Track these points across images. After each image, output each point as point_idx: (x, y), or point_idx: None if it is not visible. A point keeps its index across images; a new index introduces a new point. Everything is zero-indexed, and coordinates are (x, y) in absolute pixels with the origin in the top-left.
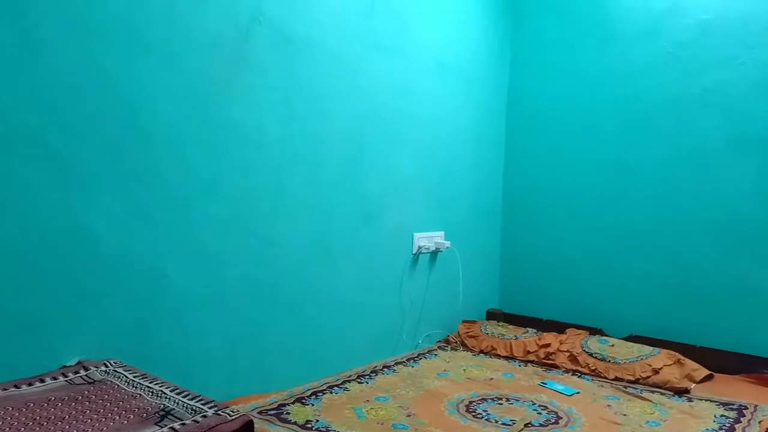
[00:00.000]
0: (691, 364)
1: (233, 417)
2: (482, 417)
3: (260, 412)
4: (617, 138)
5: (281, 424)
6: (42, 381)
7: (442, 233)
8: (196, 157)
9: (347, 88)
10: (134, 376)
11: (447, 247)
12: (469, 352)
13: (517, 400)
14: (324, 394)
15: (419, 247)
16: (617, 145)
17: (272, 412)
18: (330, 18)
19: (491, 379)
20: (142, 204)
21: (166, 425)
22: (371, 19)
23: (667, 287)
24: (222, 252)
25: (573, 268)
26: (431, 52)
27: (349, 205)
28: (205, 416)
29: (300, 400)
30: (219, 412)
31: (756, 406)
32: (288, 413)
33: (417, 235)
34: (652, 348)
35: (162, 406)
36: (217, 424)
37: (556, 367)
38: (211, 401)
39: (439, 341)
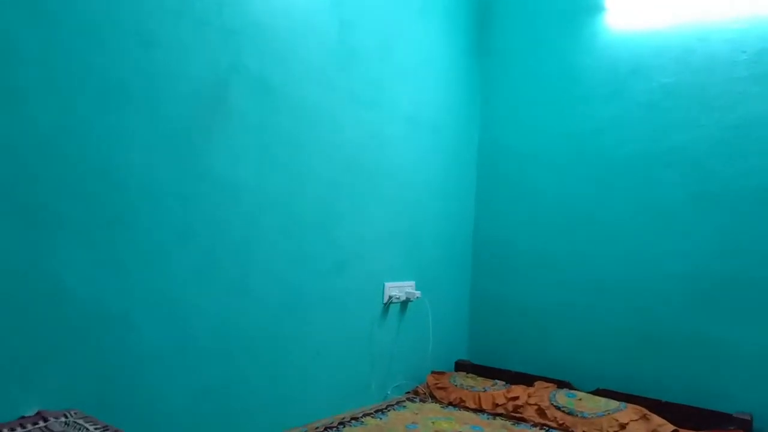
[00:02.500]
0: (656, 420)
1: None
2: None
3: None
4: (585, 192)
5: None
6: None
7: (413, 283)
8: (170, 206)
9: (323, 138)
10: (95, 428)
11: (417, 297)
12: (437, 404)
13: None
14: None
15: (390, 297)
16: (585, 199)
17: None
18: (308, 70)
19: None
20: (112, 254)
21: None
22: (348, 73)
23: (634, 341)
24: (191, 302)
25: (541, 321)
26: (404, 106)
27: (322, 253)
28: None
29: None
30: None
31: None
32: None
33: (388, 284)
34: (618, 403)
35: None
36: None
37: (524, 420)
38: None
39: (408, 392)
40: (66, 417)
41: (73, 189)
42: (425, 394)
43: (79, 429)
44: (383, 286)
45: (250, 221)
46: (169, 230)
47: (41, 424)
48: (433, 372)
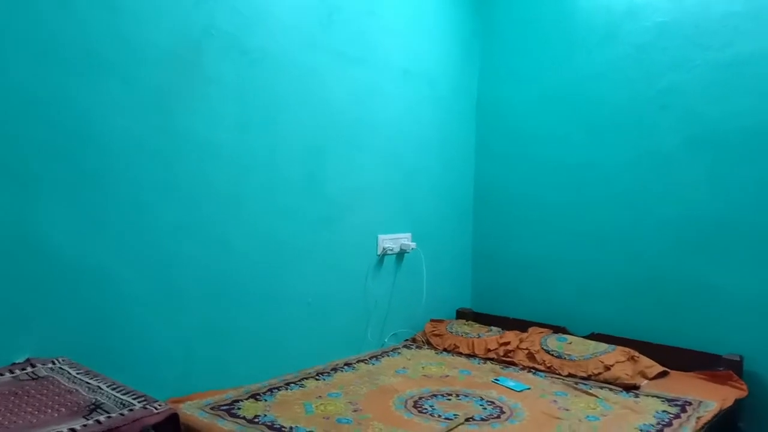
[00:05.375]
0: (645, 361)
1: (159, 411)
2: (427, 412)
3: (213, 408)
4: (582, 141)
5: (230, 418)
6: None
7: (408, 235)
8: (150, 165)
9: (305, 95)
10: (77, 373)
11: (413, 249)
12: (432, 351)
13: (466, 396)
14: (280, 390)
15: (384, 249)
16: (582, 148)
17: (224, 407)
18: (286, 29)
19: (447, 376)
20: (95, 211)
21: (92, 418)
22: (329, 29)
23: (628, 286)
24: (178, 256)
25: (541, 268)
26: (395, 60)
27: (310, 208)
28: (131, 409)
29: (255, 396)
30: (146, 405)
31: (700, 402)
32: (239, 408)
33: (381, 236)
34: (607, 345)
35: (94, 400)
36: (141, 417)
37: (514, 364)
38: (142, 396)
39: (406, 340)
40: (53, 363)
41: (53, 150)
42: (422, 341)
43: (62, 374)
44: (377, 238)
45: (231, 178)
46: (150, 188)
47: (29, 369)
48: (431, 320)
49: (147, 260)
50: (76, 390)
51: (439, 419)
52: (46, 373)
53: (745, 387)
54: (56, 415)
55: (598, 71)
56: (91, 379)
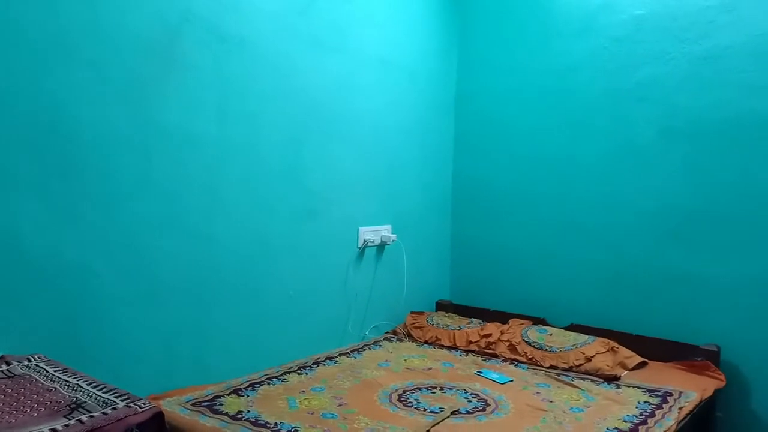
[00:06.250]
0: (624, 352)
1: (143, 409)
2: (412, 405)
3: (194, 404)
4: (559, 133)
5: (212, 415)
6: None
7: (389, 227)
8: (126, 157)
9: (284, 85)
10: (54, 371)
11: (393, 241)
12: (414, 343)
13: (450, 389)
14: (261, 385)
15: (365, 241)
16: (560, 139)
17: (206, 403)
18: (264, 17)
19: (429, 368)
20: (67, 204)
21: (74, 418)
22: (308, 18)
23: (606, 278)
24: (155, 249)
25: (519, 260)
26: (374, 50)
27: (291, 200)
28: (115, 408)
29: (236, 391)
30: (129, 404)
31: (681, 392)
32: (221, 404)
33: (362, 228)
34: (587, 336)
35: (74, 399)
36: (125, 416)
37: (496, 356)
38: (124, 394)
39: (387, 332)
40: (29, 361)
41: (24, 143)
42: (403, 333)
43: (39, 371)
44: (357, 230)
45: (211, 170)
46: (126, 180)
47: (4, 367)
48: (412, 312)
49: (124, 254)
50: (55, 389)
51: (425, 413)
52: (22, 371)
53: (723, 377)
54: (36, 414)
55: (575, 63)
56: (70, 376)
